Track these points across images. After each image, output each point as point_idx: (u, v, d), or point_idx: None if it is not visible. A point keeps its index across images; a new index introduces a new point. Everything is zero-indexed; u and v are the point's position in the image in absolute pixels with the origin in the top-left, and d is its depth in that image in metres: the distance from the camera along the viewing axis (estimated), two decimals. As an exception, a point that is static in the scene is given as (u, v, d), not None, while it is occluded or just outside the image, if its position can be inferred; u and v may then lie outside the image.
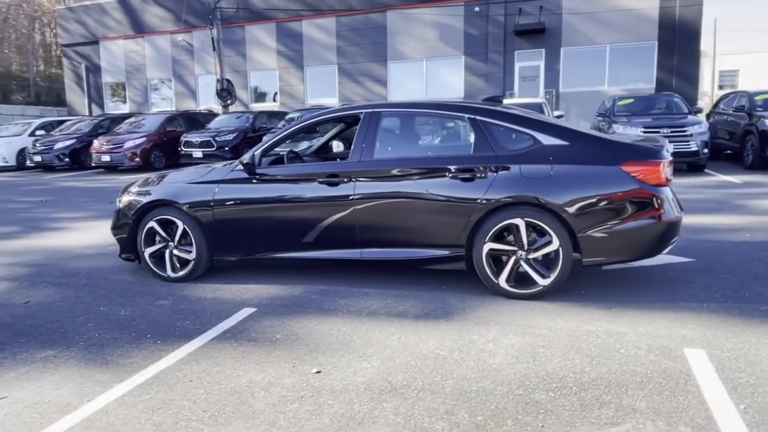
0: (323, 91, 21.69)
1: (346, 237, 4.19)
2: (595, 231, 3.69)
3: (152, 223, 4.53)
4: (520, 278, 3.86)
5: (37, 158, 15.84)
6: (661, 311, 3.57)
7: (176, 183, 4.64)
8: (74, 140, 16.06)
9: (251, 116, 15.97)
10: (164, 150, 15.38)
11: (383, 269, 4.46)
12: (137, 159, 14.80)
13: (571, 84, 18.27)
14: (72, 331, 3.59)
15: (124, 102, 24.83)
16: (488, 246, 3.84)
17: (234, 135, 14.65)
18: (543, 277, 3.79)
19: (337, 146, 7.37)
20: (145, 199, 4.58)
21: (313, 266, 4.61)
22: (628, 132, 9.83)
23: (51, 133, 17.31)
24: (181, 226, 4.46)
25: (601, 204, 3.69)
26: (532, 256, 3.80)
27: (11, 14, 35.38)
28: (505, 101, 6.98)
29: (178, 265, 4.57)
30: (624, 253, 3.85)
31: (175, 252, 4.54)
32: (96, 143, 15.24)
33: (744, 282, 4.07)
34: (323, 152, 5.42)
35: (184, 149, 14.67)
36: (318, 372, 2.91)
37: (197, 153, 14.39)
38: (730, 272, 4.32)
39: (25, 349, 3.32)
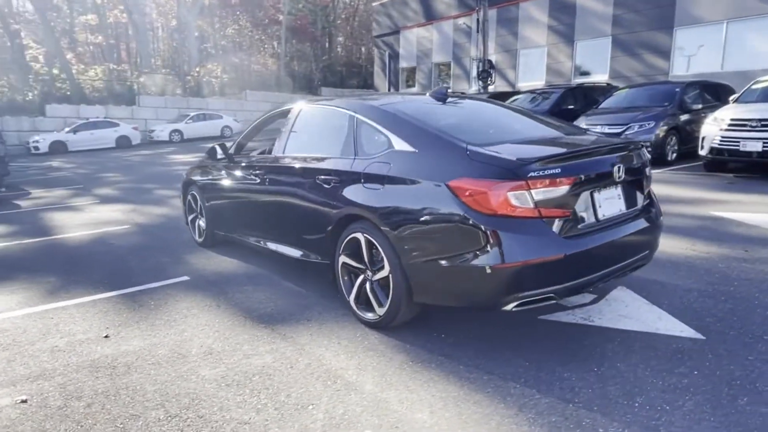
0: (592, 66, 19.68)
1: (262, 227, 4.44)
2: (421, 261, 2.94)
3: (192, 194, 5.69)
4: (367, 301, 3.39)
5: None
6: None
7: None
8: None
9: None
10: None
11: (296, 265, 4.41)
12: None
13: None
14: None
15: (414, 85, 27.76)
16: (342, 259, 3.49)
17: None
18: (380, 305, 3.25)
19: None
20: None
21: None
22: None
23: None
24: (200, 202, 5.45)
25: (425, 229, 2.90)
26: (374, 278, 3.29)
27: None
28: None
29: (196, 235, 5.64)
30: (451, 297, 2.94)
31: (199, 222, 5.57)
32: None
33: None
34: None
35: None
36: (106, 336, 3.45)
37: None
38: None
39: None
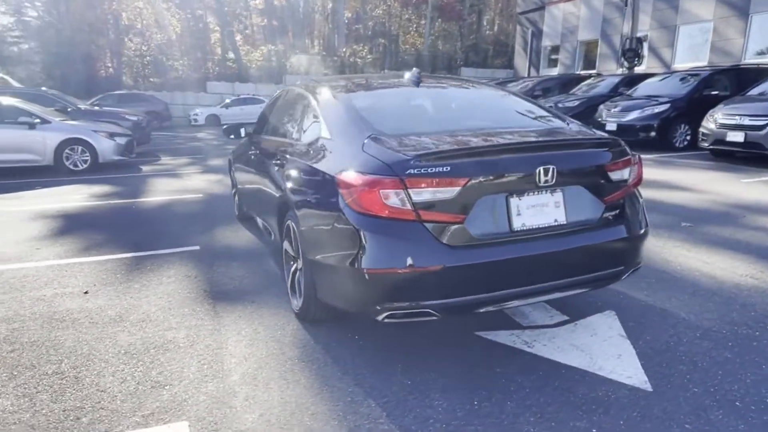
0: (770, 44, 16.42)
1: (256, 205, 4.54)
2: (319, 258, 2.74)
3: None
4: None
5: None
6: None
7: None
8: None
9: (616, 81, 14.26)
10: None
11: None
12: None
13: None
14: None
15: (556, 65, 25.82)
16: (284, 245, 3.43)
17: (578, 102, 13.68)
18: (300, 297, 3.14)
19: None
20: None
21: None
22: None
23: None
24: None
25: (321, 224, 2.70)
26: (296, 267, 3.18)
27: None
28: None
29: (235, 209, 5.96)
30: (340, 299, 2.69)
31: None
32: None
33: None
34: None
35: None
36: (86, 292, 3.83)
37: (540, 119, 14.31)
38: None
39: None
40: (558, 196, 2.59)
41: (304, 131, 3.35)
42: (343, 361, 2.78)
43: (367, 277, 2.38)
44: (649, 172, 8.35)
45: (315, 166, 2.88)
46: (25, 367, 2.79)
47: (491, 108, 3.40)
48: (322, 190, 2.73)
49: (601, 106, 12.55)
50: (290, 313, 3.37)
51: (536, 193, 2.53)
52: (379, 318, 2.45)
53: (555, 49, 25.84)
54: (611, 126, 11.69)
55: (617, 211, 2.76)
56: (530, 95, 15.89)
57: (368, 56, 34.85)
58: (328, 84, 3.52)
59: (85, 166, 9.88)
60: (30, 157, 9.58)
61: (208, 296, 3.72)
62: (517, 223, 2.49)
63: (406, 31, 42.84)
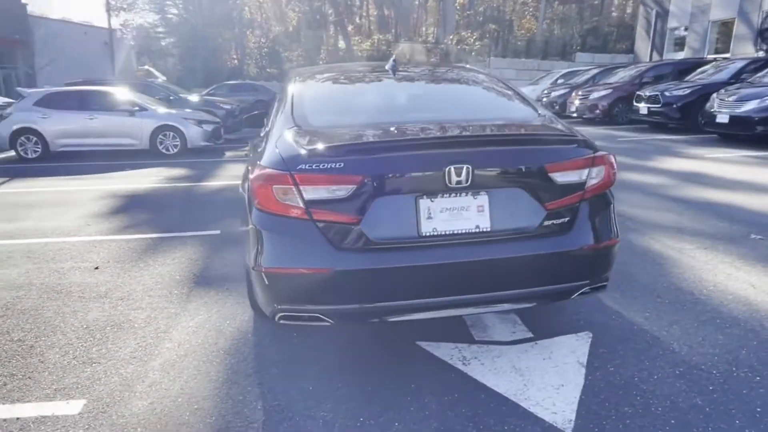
0: None
1: None
2: (245, 257, 2.69)
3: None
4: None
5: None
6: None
7: None
8: (610, 91, 14.77)
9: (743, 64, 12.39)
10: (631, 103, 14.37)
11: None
12: (597, 111, 14.72)
13: None
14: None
15: (682, 49, 23.12)
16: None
17: (690, 90, 12.11)
18: (247, 288, 3.11)
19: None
20: None
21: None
22: None
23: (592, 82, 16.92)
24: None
25: (243, 221, 2.67)
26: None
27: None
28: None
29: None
30: (254, 296, 2.63)
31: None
32: (573, 93, 16.04)
33: None
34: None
35: (635, 103, 13.43)
36: (96, 268, 4.16)
37: (643, 109, 12.93)
38: None
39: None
40: (482, 199, 2.28)
41: (264, 123, 3.31)
42: (262, 358, 2.72)
43: (263, 276, 2.29)
44: (753, 173, 7.19)
45: (248, 161, 2.84)
46: (2, 331, 3.10)
47: (454, 100, 3.09)
48: (246, 185, 2.68)
49: (714, 95, 10.98)
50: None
51: (453, 195, 2.25)
52: (276, 319, 2.35)
53: (682, 31, 23.14)
54: (722, 118, 10.19)
55: (566, 219, 2.37)
56: (636, 83, 14.41)
57: (476, 43, 33.88)
58: (300, 73, 3.43)
59: (175, 150, 10.78)
60: (129, 141, 10.66)
61: (191, 280, 3.86)
62: (427, 228, 2.24)
63: (522, 16, 40.99)
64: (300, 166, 2.20)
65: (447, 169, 2.19)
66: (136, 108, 10.70)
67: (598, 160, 2.42)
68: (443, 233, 2.25)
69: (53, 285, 3.82)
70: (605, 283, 2.52)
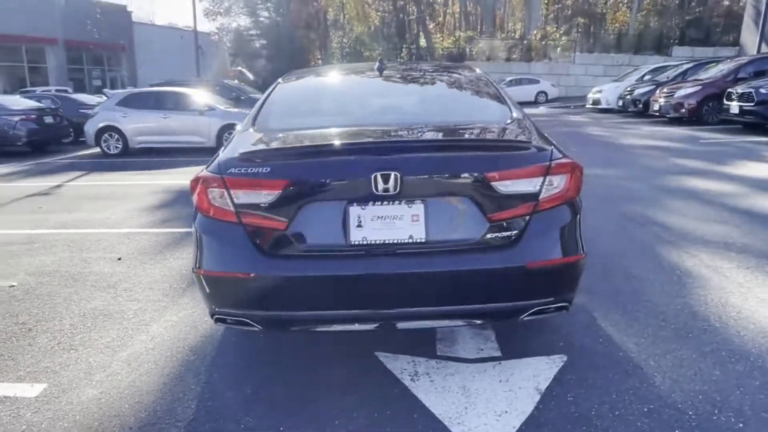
0: None
1: None
2: None
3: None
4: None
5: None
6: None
7: None
8: (699, 88, 13.45)
9: None
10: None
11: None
12: (683, 110, 13.52)
13: None
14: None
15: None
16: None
17: (791, 86, 10.76)
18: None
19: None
20: None
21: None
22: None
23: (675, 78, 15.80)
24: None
25: None
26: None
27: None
28: None
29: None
30: None
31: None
32: (658, 90, 14.85)
33: None
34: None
35: (725, 102, 12.17)
36: (119, 259, 4.43)
37: (734, 108, 11.69)
38: None
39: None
40: (417, 208, 2.14)
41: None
42: (220, 358, 2.76)
43: (200, 278, 2.31)
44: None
45: None
46: (13, 314, 3.39)
47: (425, 102, 2.95)
48: None
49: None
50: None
51: (385, 203, 2.14)
52: (213, 320, 2.37)
53: (798, 20, 20.62)
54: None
55: (513, 232, 2.17)
56: (731, 79, 13.04)
57: (561, 38, 32.37)
58: (289, 74, 3.44)
59: (239, 147, 11.29)
60: (198, 139, 11.32)
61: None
62: (356, 236, 2.14)
63: (616, 8, 38.62)
64: (230, 170, 2.20)
65: (374, 176, 2.08)
66: (206, 108, 11.33)
67: (555, 169, 2.19)
68: (374, 242, 2.14)
69: (75, 273, 4.13)
70: (563, 305, 2.28)
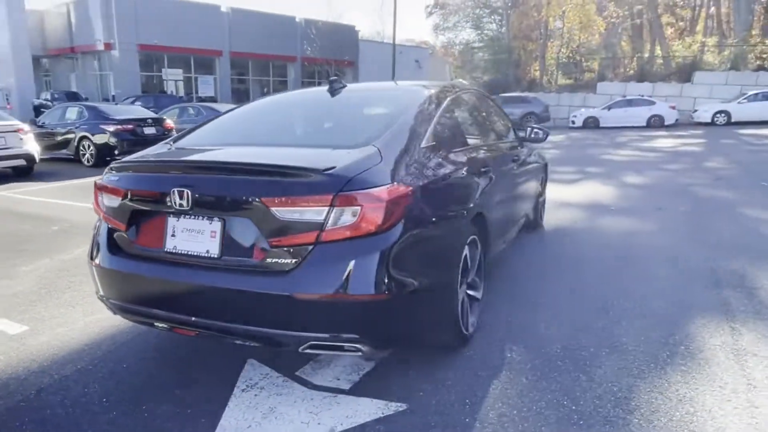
0: None
1: None
2: None
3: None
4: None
5: None
6: None
7: None
8: None
9: None
10: None
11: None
12: None
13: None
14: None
15: None
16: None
17: None
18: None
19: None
20: None
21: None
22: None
23: None
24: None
25: None
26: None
27: None
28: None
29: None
30: None
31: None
32: None
33: None
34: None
35: None
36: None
37: None
38: None
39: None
40: (216, 225, 2.26)
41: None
42: (158, 348, 3.13)
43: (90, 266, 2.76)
44: None
45: None
46: (51, 279, 4.39)
47: (319, 126, 2.98)
48: None
49: None
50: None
51: (193, 217, 2.31)
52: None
53: None
54: None
55: (291, 260, 2.11)
56: None
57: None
58: (263, 95, 3.75)
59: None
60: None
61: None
62: (170, 245, 2.36)
63: None
64: (102, 177, 2.64)
65: (172, 191, 2.28)
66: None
67: (344, 200, 2.06)
68: (182, 252, 2.34)
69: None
70: (355, 346, 2.12)
